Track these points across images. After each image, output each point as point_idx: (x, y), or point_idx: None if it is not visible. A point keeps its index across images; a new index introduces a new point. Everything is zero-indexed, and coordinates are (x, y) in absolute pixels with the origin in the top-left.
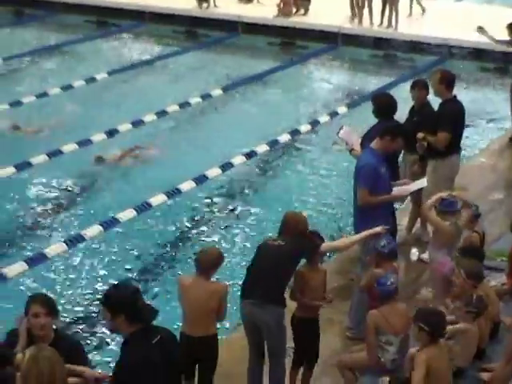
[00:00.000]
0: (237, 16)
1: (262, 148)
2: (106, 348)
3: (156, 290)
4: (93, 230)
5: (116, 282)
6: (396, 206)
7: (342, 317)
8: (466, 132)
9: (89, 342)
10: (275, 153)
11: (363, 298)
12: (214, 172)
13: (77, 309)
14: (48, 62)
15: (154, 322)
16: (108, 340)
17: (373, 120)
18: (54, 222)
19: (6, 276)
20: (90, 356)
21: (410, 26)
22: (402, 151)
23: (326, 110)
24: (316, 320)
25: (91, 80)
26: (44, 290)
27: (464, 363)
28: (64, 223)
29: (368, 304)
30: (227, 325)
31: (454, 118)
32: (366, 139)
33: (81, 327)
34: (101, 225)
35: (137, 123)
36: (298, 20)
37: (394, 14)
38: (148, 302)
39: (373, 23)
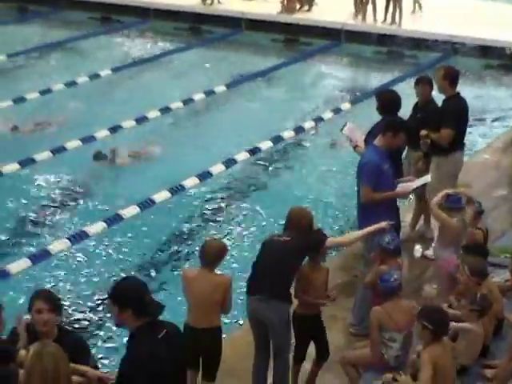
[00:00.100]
0: (240, 13)
1: (266, 144)
2: (110, 344)
3: (160, 285)
4: (96, 227)
5: (122, 277)
6: (399, 202)
7: (345, 313)
8: (470, 129)
9: (93, 338)
10: (279, 149)
11: (367, 294)
12: (217, 168)
13: (80, 305)
14: (52, 58)
15: (160, 317)
16: (112, 336)
17: (376, 116)
18: (58, 219)
19: (10, 272)
20: (93, 352)
21: (413, 22)
22: (406, 148)
23: (330, 106)
24: (317, 316)
25: (95, 76)
26: (47, 287)
27: (468, 361)
28: (67, 220)
29: (371, 301)
30: (226, 320)
31: (457, 115)
32: (370, 136)
33: (84, 323)
34: (104, 221)
35: (141, 119)
36: (301, 17)
37: (397, 10)
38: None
39: (376, 20)
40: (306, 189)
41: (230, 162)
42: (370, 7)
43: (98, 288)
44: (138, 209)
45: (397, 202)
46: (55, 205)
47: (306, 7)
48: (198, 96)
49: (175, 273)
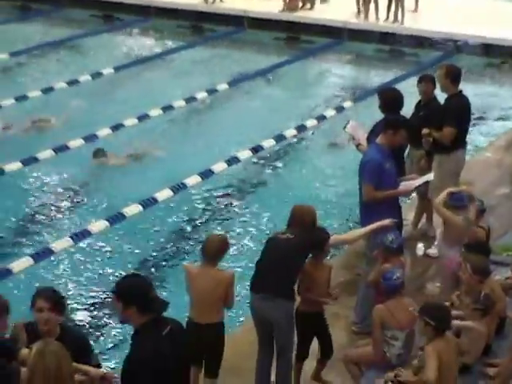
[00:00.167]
0: (242, 11)
1: (268, 143)
2: (113, 342)
3: (162, 283)
4: (99, 225)
5: (126, 274)
6: (401, 200)
7: (347, 311)
8: (472, 127)
9: (95, 336)
10: (281, 147)
11: (369, 292)
12: (219, 167)
13: (83, 303)
14: (54, 56)
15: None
16: (115, 334)
17: (379, 115)
18: (60, 217)
19: (13, 271)
20: (96, 350)
21: (415, 20)
22: (408, 146)
23: (332, 104)
24: (320, 314)
25: (97, 75)
26: (50, 285)
27: (471, 360)
28: (70, 218)
29: (374, 299)
30: (227, 319)
31: (459, 113)
32: (373, 135)
33: (87, 321)
34: (107, 220)
35: (142, 118)
36: (303, 15)
37: (399, 8)
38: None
39: (379, 18)
40: (308, 187)
41: (232, 161)
42: (372, 5)
43: (101, 286)
44: (140, 207)
45: (399, 200)
46: (57, 203)
47: (308, 5)
48: (200, 94)
49: (177, 271)
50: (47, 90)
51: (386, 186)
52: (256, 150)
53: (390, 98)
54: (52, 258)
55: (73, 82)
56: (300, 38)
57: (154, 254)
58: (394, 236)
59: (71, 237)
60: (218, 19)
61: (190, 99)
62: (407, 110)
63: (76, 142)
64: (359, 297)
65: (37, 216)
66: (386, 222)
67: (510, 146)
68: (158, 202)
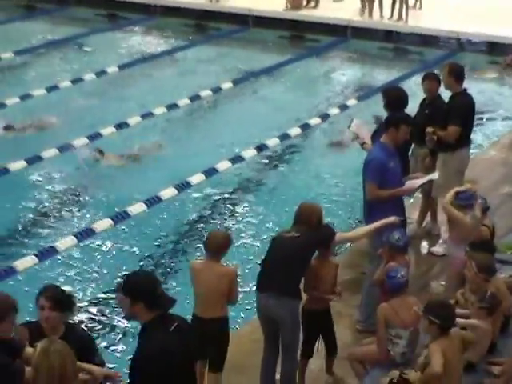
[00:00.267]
0: (247, 9)
1: (272, 141)
2: (118, 341)
3: (167, 282)
4: (103, 224)
5: (133, 270)
6: (406, 199)
7: (351, 310)
8: (476, 125)
9: (100, 334)
10: (285, 146)
11: (373, 291)
12: (224, 165)
13: (87, 302)
14: (58, 55)
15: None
16: (120, 333)
17: (382, 113)
18: (64, 216)
19: (17, 270)
20: (100, 349)
21: (420, 19)
22: (413, 145)
23: (336, 103)
24: (326, 312)
25: (101, 73)
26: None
27: (475, 358)
28: (74, 217)
29: (379, 298)
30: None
31: (463, 112)
32: (376, 135)
33: (91, 320)
34: (111, 218)
35: (147, 116)
36: (307, 13)
37: (404, 6)
38: None
39: (383, 16)
40: (312, 185)
41: (236, 159)
42: (376, 3)
43: (105, 285)
44: (144, 206)
45: (403, 199)
46: (62, 202)
47: (313, 4)
48: (205, 93)
49: (181, 270)
50: (52, 89)
51: (390, 184)
52: (260, 148)
53: (394, 97)
54: (56, 257)
55: (77, 81)
56: (304, 36)
57: (158, 252)
58: (400, 234)
59: (75, 235)
60: (223, 18)
61: (195, 97)
62: (412, 109)
63: (80, 141)
64: (363, 295)
65: (41, 214)
66: (391, 219)
67: None
68: (162, 200)
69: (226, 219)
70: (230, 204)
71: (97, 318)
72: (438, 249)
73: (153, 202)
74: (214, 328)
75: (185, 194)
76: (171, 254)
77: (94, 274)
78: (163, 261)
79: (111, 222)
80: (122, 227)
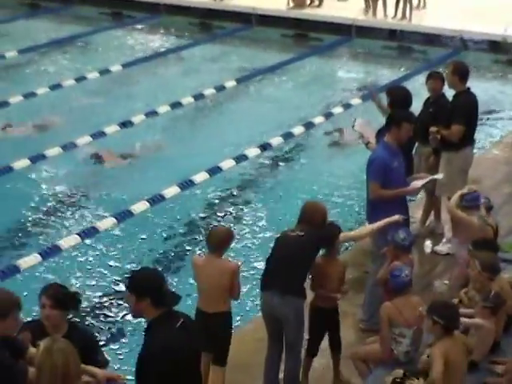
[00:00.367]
0: (251, 8)
1: (276, 140)
2: (121, 340)
3: (171, 280)
4: (106, 222)
5: (139, 267)
6: (409, 198)
7: (355, 309)
8: (480, 124)
9: (103, 333)
10: (289, 145)
11: (377, 290)
12: (227, 164)
13: (90, 301)
14: (63, 54)
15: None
16: (123, 332)
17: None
18: (68, 214)
19: (20, 268)
20: (104, 348)
21: (424, 17)
22: (416, 144)
23: (340, 102)
24: (334, 310)
25: (105, 72)
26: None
27: (478, 357)
28: (77, 215)
29: (382, 297)
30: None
31: (467, 111)
32: (380, 135)
33: (95, 318)
34: (114, 217)
35: (151, 115)
36: (311, 12)
37: (408, 5)
38: None
39: (387, 15)
40: (316, 184)
41: (240, 158)
42: (380, 2)
43: (108, 284)
44: (147, 204)
45: (406, 198)
46: (65, 200)
47: (317, 2)
48: (209, 91)
49: (185, 268)
50: (55, 87)
51: (394, 184)
52: (264, 147)
53: (398, 96)
54: (60, 255)
55: (81, 79)
56: (308, 35)
57: (162, 251)
58: (405, 233)
59: (79, 234)
60: (227, 16)
61: (199, 96)
62: (416, 107)
63: (84, 139)
64: (367, 294)
65: (44, 213)
66: (395, 218)
67: None
68: (165, 199)
69: (229, 217)
70: (233, 202)
71: (100, 316)
72: (442, 248)
73: (156, 200)
74: (217, 322)
75: (188, 193)
76: (175, 252)
77: (98, 273)
78: (167, 259)
79: (115, 220)
80: (126, 225)
